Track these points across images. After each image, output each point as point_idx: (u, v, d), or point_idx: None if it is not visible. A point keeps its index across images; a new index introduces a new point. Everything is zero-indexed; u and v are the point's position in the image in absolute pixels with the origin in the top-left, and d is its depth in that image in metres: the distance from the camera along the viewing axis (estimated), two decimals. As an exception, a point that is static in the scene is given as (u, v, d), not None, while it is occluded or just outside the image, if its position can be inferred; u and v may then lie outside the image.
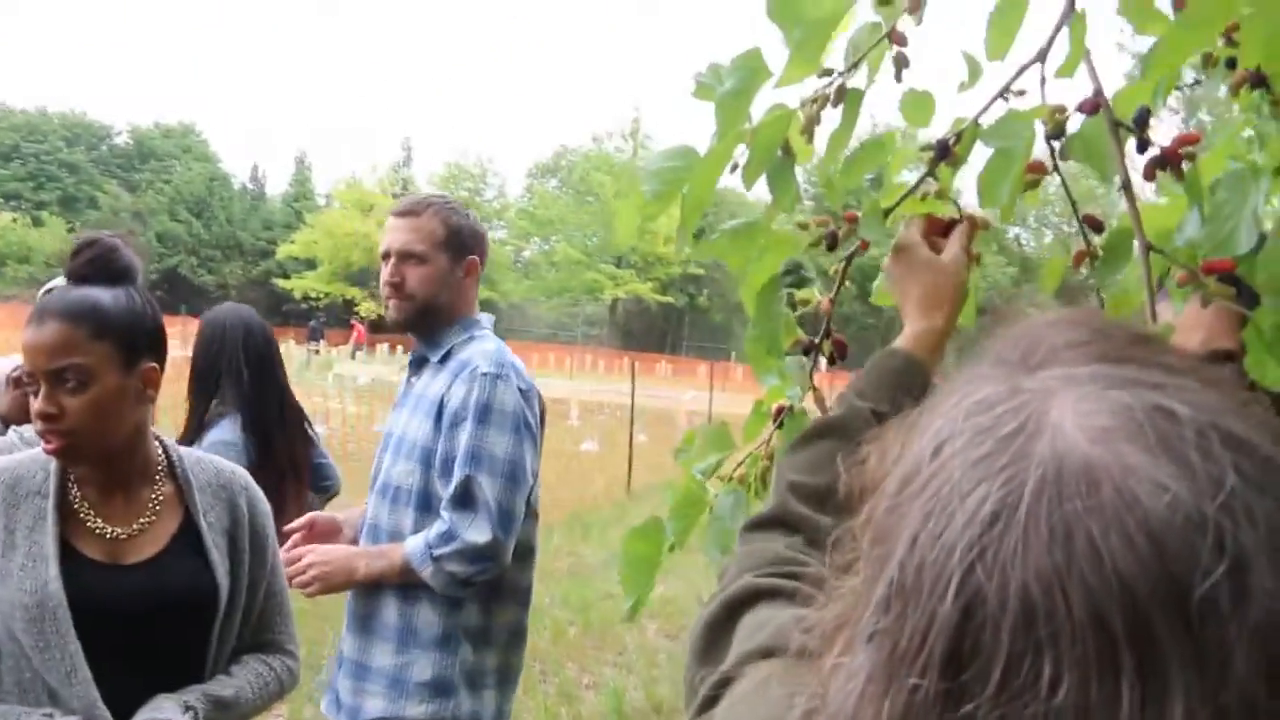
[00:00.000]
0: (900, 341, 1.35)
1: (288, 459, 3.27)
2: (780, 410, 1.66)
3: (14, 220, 67.13)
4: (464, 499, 2.53)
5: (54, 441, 1.95)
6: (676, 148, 1.56)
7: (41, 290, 3.60)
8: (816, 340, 1.65)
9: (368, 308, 57.69)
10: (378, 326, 50.20)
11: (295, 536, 2.69)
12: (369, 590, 2.66)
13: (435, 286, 2.73)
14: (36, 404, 1.94)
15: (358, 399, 19.26)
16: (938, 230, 1.46)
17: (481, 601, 2.64)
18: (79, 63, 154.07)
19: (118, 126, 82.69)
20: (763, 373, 1.65)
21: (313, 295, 60.31)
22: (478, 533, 2.51)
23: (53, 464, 2.02)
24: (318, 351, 36.17)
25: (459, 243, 2.76)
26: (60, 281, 3.60)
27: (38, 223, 67.42)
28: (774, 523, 1.19)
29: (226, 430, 3.14)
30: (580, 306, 66.09)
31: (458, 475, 2.53)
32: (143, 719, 1.94)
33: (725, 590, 1.10)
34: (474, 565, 2.52)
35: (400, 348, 36.71)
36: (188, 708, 1.97)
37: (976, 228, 1.46)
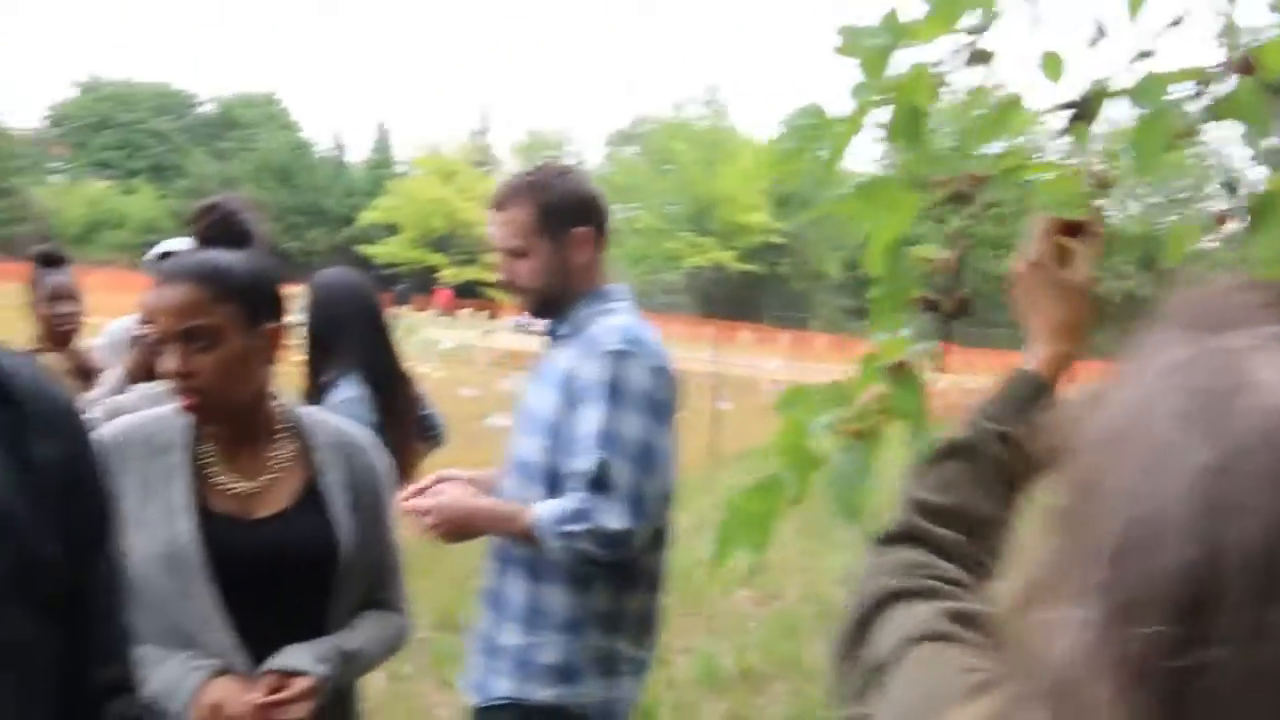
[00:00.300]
0: (1030, 364, 1.33)
1: (406, 414, 3.35)
2: (896, 366, 1.65)
3: (108, 188, 68.68)
4: (599, 482, 2.42)
5: (187, 400, 2.00)
6: (808, 106, 1.57)
7: (150, 254, 3.69)
8: (939, 297, 1.64)
9: (451, 273, 58.16)
10: (463, 291, 50.72)
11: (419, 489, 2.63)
12: (499, 569, 2.62)
13: (542, 276, 2.61)
14: (168, 364, 1.99)
15: (444, 363, 19.48)
16: (1065, 231, 1.41)
17: (612, 586, 2.55)
18: (162, 35, 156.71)
19: (202, 96, 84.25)
20: (885, 328, 1.65)
21: (395, 261, 60.82)
22: (611, 518, 2.41)
23: (183, 421, 2.07)
24: (405, 316, 36.51)
25: (556, 221, 2.59)
26: (169, 245, 3.69)
27: (130, 190, 68.91)
28: (902, 538, 1.20)
29: (352, 389, 3.19)
30: (660, 274, 66.06)
31: (592, 458, 2.43)
32: (278, 665, 1.99)
33: (864, 593, 1.12)
34: (604, 549, 2.43)
35: (486, 312, 36.92)
36: (321, 658, 2.03)
37: (1101, 240, 1.41)
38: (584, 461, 2.44)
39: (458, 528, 2.56)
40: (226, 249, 2.06)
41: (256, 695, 1.94)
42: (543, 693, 2.52)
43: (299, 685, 1.97)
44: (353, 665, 2.13)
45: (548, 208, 2.59)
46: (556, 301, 2.64)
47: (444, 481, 2.65)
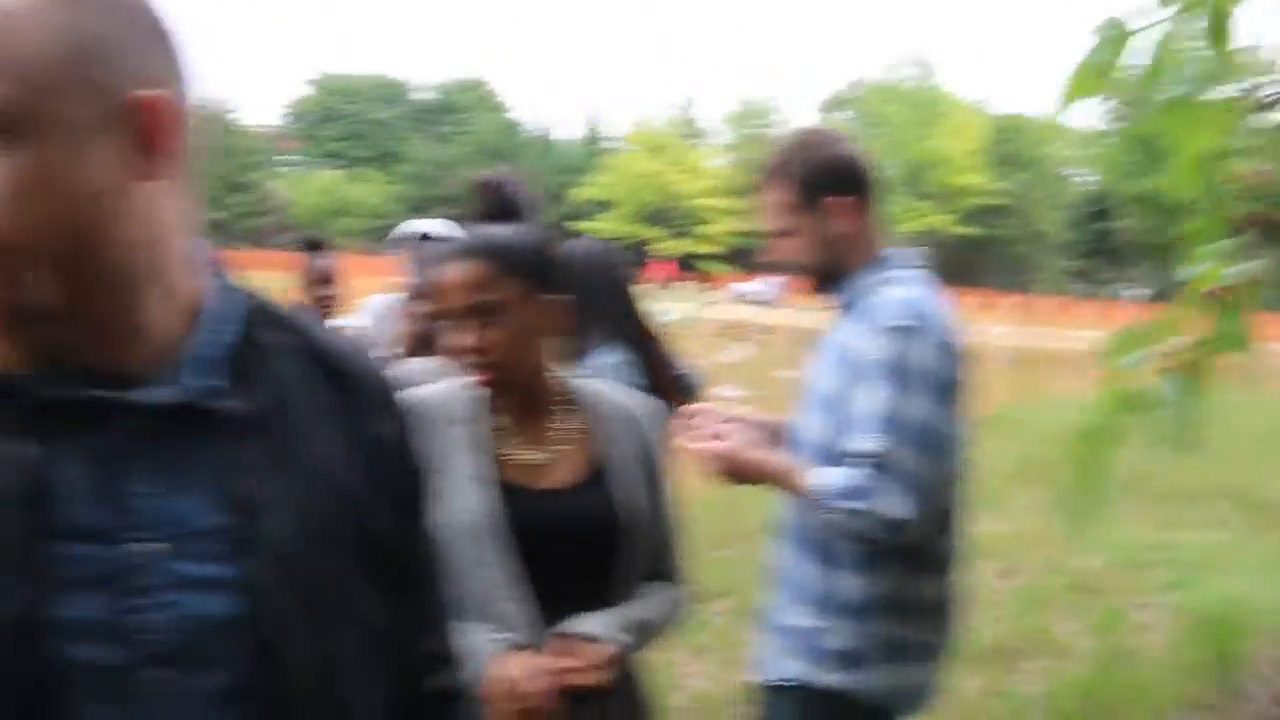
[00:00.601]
0: None
1: (663, 374, 3.36)
2: (1217, 292, 1.55)
3: (338, 177, 71.95)
4: (882, 465, 2.30)
5: (482, 374, 2.03)
6: (1108, 19, 1.50)
7: (396, 235, 3.80)
8: (1260, 213, 1.53)
9: (667, 247, 58.53)
10: (684, 264, 51.04)
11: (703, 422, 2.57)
12: (790, 550, 2.57)
13: (813, 253, 2.54)
14: (458, 340, 2.02)
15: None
16: None
17: (900, 571, 2.45)
18: (379, 27, 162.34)
19: (415, 83, 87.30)
20: (1204, 255, 1.55)
21: (611, 237, 61.41)
22: (892, 504, 2.29)
23: (472, 393, 2.09)
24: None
25: (813, 195, 2.51)
26: (419, 225, 3.78)
27: (357, 178, 71.97)
28: None
29: (615, 354, 3.22)
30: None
31: (875, 441, 2.31)
32: (575, 631, 1.99)
33: None
34: (879, 532, 2.31)
35: (708, 284, 37.01)
36: (620, 628, 2.02)
37: None
38: (864, 443, 2.33)
39: (737, 473, 2.49)
40: (504, 224, 2.08)
41: (551, 661, 1.94)
42: (829, 677, 2.46)
43: (597, 652, 1.97)
44: (645, 635, 2.12)
45: (802, 183, 2.52)
46: (832, 275, 2.56)
47: (732, 422, 2.58)
